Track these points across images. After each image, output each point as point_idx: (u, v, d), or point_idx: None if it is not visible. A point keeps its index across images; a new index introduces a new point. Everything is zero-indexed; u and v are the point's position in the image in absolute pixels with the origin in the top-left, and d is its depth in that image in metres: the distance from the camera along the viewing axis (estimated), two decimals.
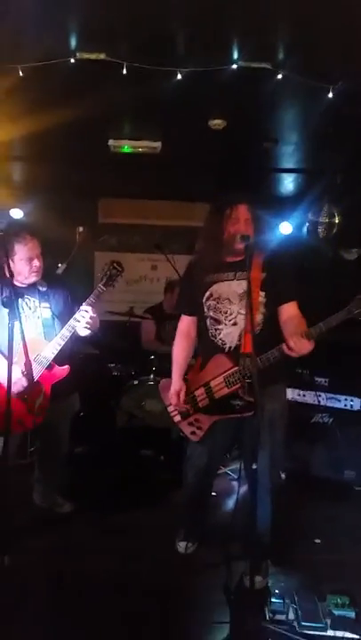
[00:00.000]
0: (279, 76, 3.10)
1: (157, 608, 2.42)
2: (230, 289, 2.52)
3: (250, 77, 3.12)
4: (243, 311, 2.43)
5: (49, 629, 2.25)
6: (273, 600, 2.31)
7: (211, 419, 2.59)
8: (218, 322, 2.54)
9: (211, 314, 2.57)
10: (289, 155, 4.72)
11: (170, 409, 2.75)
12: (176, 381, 2.70)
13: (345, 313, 2.21)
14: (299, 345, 2.25)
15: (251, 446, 2.29)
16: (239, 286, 2.47)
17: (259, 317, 2.47)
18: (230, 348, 2.50)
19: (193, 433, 2.67)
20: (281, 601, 2.30)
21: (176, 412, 2.72)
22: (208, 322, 2.58)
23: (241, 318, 2.46)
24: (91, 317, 2.79)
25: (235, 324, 2.50)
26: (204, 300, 2.58)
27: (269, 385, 2.42)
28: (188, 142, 4.22)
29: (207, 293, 2.57)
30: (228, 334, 2.51)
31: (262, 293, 2.47)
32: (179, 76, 3.05)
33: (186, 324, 2.79)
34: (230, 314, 2.51)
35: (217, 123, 3.83)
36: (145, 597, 2.48)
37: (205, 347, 2.64)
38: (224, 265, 2.54)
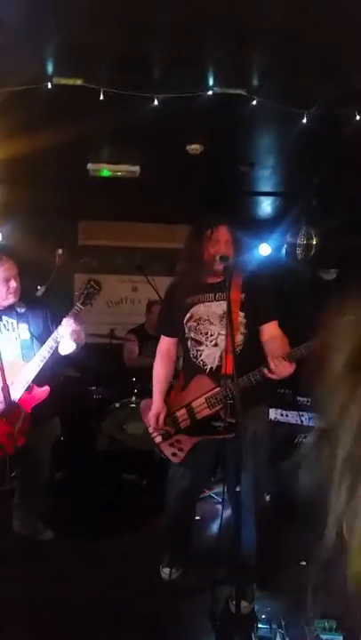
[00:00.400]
0: (254, 102, 3.17)
1: (143, 635, 2.36)
2: (210, 310, 2.53)
3: (226, 103, 3.18)
4: (223, 332, 2.45)
5: None
6: (260, 626, 2.27)
7: (192, 440, 2.58)
8: (199, 343, 2.56)
9: (192, 335, 2.58)
10: (266, 178, 4.81)
11: (150, 429, 2.72)
12: (157, 403, 2.69)
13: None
14: (280, 367, 2.27)
15: (234, 468, 2.26)
16: (219, 307, 2.49)
17: (239, 338, 2.49)
18: (212, 368, 2.51)
19: (174, 454, 2.64)
20: (268, 626, 2.26)
21: (157, 434, 2.69)
22: (189, 343, 2.59)
23: (222, 339, 2.47)
24: (73, 330, 2.77)
25: (216, 344, 2.51)
26: (185, 322, 2.60)
27: (251, 406, 2.41)
28: (166, 166, 4.28)
29: (188, 315, 2.59)
30: (209, 355, 2.52)
31: (242, 314, 2.50)
32: (155, 102, 3.10)
33: (166, 344, 2.79)
34: (211, 335, 2.52)
35: (194, 147, 3.90)
36: (129, 624, 2.42)
37: (187, 367, 2.64)
38: (204, 286, 2.56)
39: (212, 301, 2.54)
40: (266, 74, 3.02)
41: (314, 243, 5.16)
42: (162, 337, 2.81)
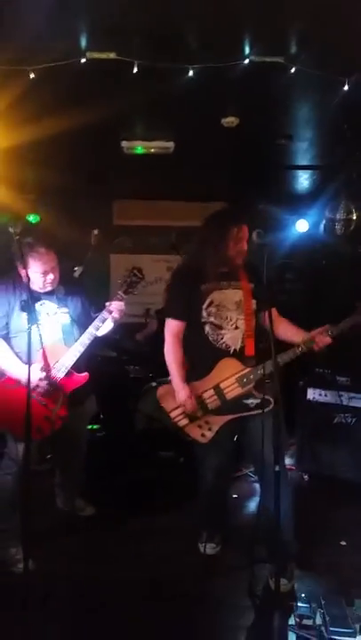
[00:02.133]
0: (292, 70, 3.04)
1: (182, 612, 2.39)
2: (227, 297, 2.72)
3: (262, 72, 3.05)
4: (240, 316, 2.70)
5: (75, 634, 2.23)
6: (300, 604, 2.25)
7: (223, 419, 2.68)
8: (220, 327, 2.69)
9: (211, 319, 2.70)
10: (304, 151, 4.64)
11: (174, 413, 2.77)
12: (182, 387, 2.72)
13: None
14: (323, 340, 2.60)
15: (269, 447, 2.28)
16: (235, 294, 2.73)
17: (254, 323, 2.72)
18: (235, 350, 2.68)
19: (203, 435, 2.71)
20: (308, 605, 2.24)
21: (182, 417, 2.74)
22: (208, 327, 2.70)
23: (241, 322, 2.70)
24: (117, 310, 2.82)
25: (236, 327, 2.70)
26: (204, 307, 2.70)
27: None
28: (201, 141, 4.17)
29: (208, 300, 2.71)
30: (231, 338, 2.69)
31: (254, 301, 2.74)
32: (190, 73, 3.00)
33: (178, 328, 2.81)
34: (230, 319, 2.70)
35: (230, 120, 3.78)
36: (170, 601, 2.46)
37: (204, 351, 2.72)
38: (220, 274, 2.72)
39: (228, 289, 2.73)
40: (304, 40, 2.88)
41: (354, 218, 5.00)
42: (172, 320, 2.81)
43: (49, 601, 2.39)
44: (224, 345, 2.69)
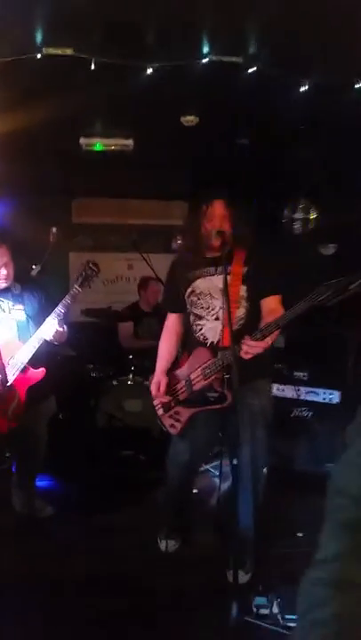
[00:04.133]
0: (251, 70, 3.09)
1: (142, 607, 2.39)
2: (212, 284, 2.52)
3: (221, 72, 3.09)
4: (225, 305, 2.41)
5: (35, 633, 2.21)
6: (257, 596, 2.29)
7: (189, 411, 2.60)
8: (200, 317, 2.56)
9: (193, 309, 2.58)
10: (263, 151, 4.72)
11: (155, 402, 2.75)
12: (158, 374, 2.72)
13: (304, 304, 2.11)
14: (249, 348, 2.19)
15: (232, 441, 2.27)
16: (221, 281, 2.42)
17: (241, 311, 2.48)
18: (213, 342, 2.50)
19: (172, 426, 2.67)
20: (265, 596, 2.28)
21: (160, 406, 2.72)
22: (191, 317, 2.60)
23: (223, 313, 2.46)
24: (56, 331, 2.74)
25: (217, 318, 2.50)
26: (186, 296, 2.60)
27: (252, 379, 2.41)
28: (160, 139, 4.19)
29: (189, 289, 2.59)
30: (210, 329, 2.52)
31: (244, 287, 2.48)
32: (149, 71, 3.02)
33: (171, 320, 2.80)
34: (212, 309, 2.51)
35: (189, 119, 3.81)
36: (130, 597, 2.45)
37: (190, 342, 2.66)
38: (205, 260, 2.55)
39: (214, 275, 2.52)
40: (263, 41, 2.93)
41: (312, 217, 5.11)
42: (168, 314, 2.83)
43: (6, 601, 2.36)
44: (202, 336, 2.54)
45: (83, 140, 4.08)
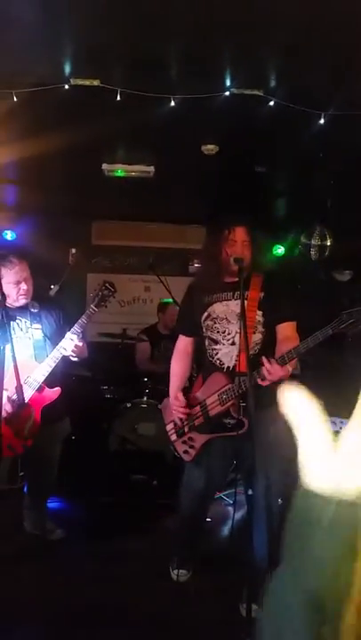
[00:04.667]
0: (271, 103, 3.16)
1: (153, 637, 2.35)
2: (229, 309, 2.52)
3: (242, 104, 3.17)
4: (242, 331, 2.38)
5: None
6: None
7: (203, 437, 2.56)
8: (215, 342, 2.54)
9: (209, 334, 2.56)
10: (281, 179, 4.78)
11: (168, 427, 2.71)
12: (173, 393, 2.67)
13: (325, 332, 2.14)
14: (271, 371, 2.19)
15: (247, 470, 2.25)
16: (238, 306, 2.42)
17: (257, 337, 2.48)
18: (229, 367, 2.48)
19: (186, 452, 2.62)
20: None
21: (173, 431, 2.68)
22: (206, 342, 2.58)
23: (239, 338, 2.44)
24: (76, 346, 2.76)
25: (233, 343, 2.49)
26: (202, 320, 2.59)
27: (270, 407, 2.37)
28: (181, 167, 4.27)
29: (205, 313, 2.58)
30: (226, 354, 2.50)
31: (260, 312, 2.48)
32: (172, 103, 3.10)
33: (183, 343, 2.79)
34: (228, 333, 2.50)
35: (210, 148, 3.89)
36: (140, 626, 2.41)
37: (205, 366, 2.63)
38: (223, 285, 2.55)
39: (231, 300, 2.52)
40: (283, 75, 3.01)
41: (328, 243, 5.13)
42: (180, 336, 2.81)
43: (17, 624, 2.34)
44: (218, 361, 2.51)
45: (105, 166, 4.17)
